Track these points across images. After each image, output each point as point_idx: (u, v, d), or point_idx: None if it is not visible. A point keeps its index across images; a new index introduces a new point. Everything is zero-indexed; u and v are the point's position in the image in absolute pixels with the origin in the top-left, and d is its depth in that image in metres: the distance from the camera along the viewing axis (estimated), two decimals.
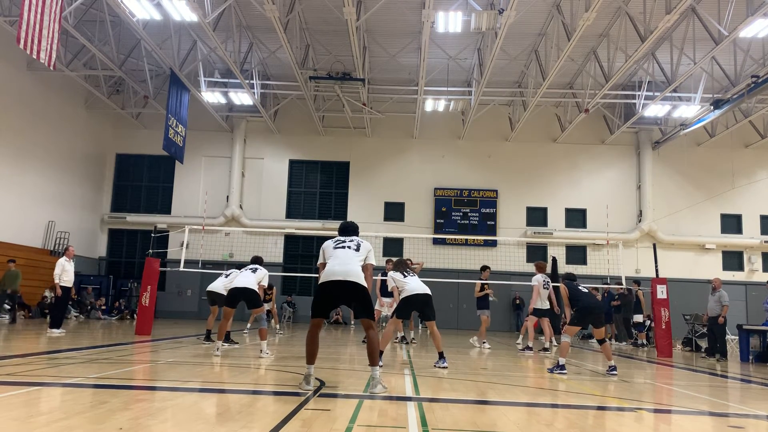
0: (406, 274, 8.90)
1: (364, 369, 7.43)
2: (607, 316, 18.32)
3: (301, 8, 17.66)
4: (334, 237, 6.29)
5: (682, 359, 13.28)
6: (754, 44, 17.83)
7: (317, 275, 6.25)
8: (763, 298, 14.43)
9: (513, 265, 22.80)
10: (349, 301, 5.83)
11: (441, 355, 8.56)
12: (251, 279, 9.41)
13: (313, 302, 5.89)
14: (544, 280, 12.81)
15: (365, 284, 5.84)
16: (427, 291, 8.69)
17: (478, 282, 13.30)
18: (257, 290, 9.41)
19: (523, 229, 24.48)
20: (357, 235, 6.36)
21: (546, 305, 12.77)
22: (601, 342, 8.82)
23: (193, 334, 13.63)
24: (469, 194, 24.76)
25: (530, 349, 12.51)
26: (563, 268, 23.78)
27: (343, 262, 5.85)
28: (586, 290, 8.85)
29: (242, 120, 25.00)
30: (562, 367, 8.38)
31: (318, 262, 6.20)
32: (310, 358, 5.86)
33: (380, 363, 6.51)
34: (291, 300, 23.61)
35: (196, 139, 23.82)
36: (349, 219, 24.42)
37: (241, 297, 9.34)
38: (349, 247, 6.02)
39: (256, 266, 9.82)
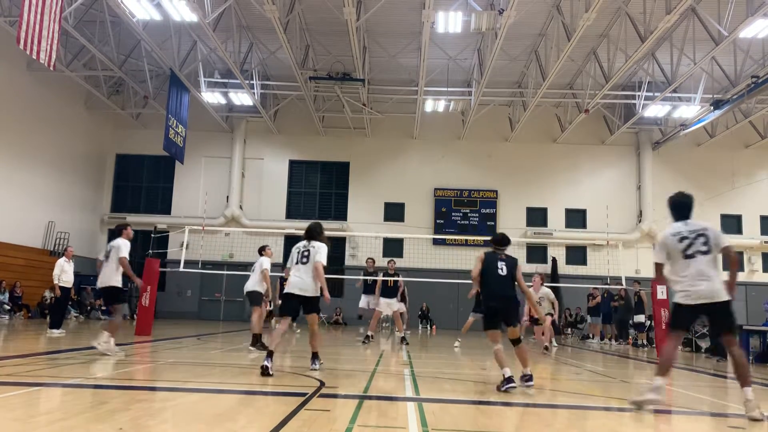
0: None
1: (364, 369, 7.42)
2: (607, 316, 18.37)
3: (301, 8, 17.65)
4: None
5: (682, 359, 13.27)
6: (754, 44, 17.80)
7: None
8: (763, 298, 14.42)
9: None
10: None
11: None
12: (252, 281, 10.19)
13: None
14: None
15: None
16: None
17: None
18: (258, 289, 10.07)
19: (523, 230, 24.45)
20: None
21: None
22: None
23: (192, 335, 13.63)
24: (469, 194, 24.74)
25: (546, 349, 12.38)
26: (563, 268, 23.91)
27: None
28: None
29: (242, 120, 24.98)
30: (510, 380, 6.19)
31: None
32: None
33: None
34: None
35: (196, 140, 23.78)
36: (350, 219, 24.75)
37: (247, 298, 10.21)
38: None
39: (259, 261, 10.27)
